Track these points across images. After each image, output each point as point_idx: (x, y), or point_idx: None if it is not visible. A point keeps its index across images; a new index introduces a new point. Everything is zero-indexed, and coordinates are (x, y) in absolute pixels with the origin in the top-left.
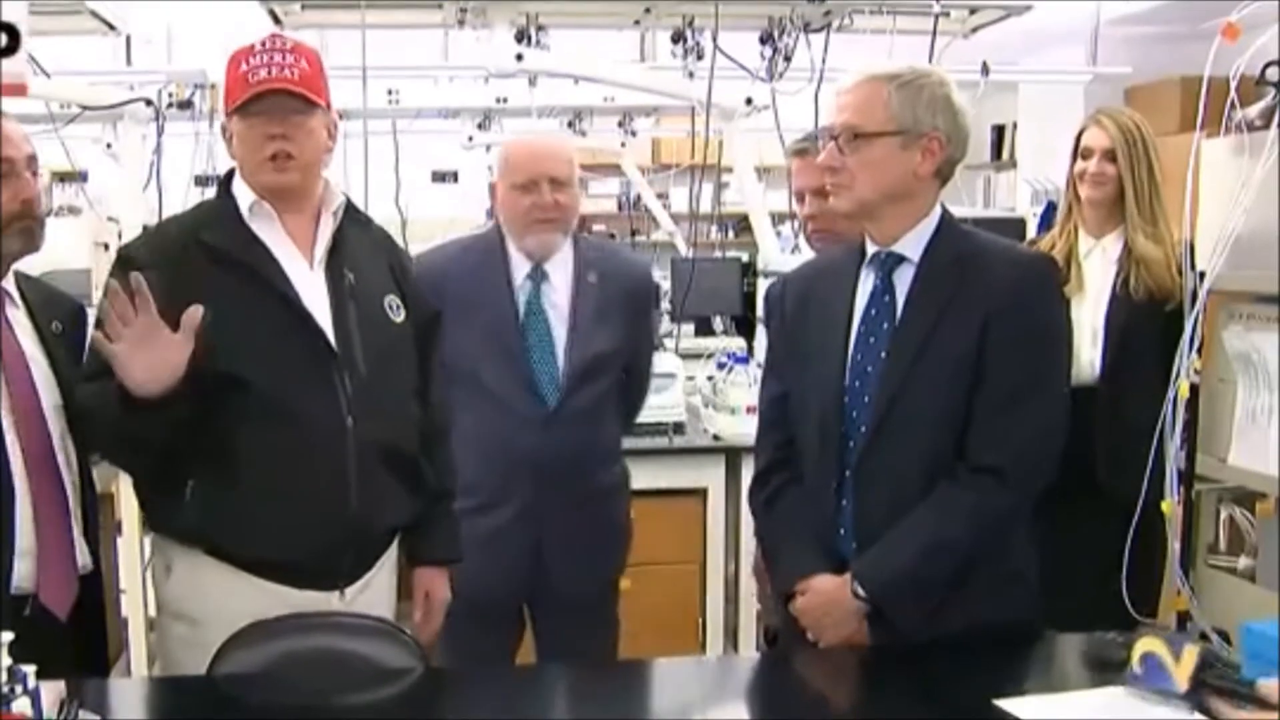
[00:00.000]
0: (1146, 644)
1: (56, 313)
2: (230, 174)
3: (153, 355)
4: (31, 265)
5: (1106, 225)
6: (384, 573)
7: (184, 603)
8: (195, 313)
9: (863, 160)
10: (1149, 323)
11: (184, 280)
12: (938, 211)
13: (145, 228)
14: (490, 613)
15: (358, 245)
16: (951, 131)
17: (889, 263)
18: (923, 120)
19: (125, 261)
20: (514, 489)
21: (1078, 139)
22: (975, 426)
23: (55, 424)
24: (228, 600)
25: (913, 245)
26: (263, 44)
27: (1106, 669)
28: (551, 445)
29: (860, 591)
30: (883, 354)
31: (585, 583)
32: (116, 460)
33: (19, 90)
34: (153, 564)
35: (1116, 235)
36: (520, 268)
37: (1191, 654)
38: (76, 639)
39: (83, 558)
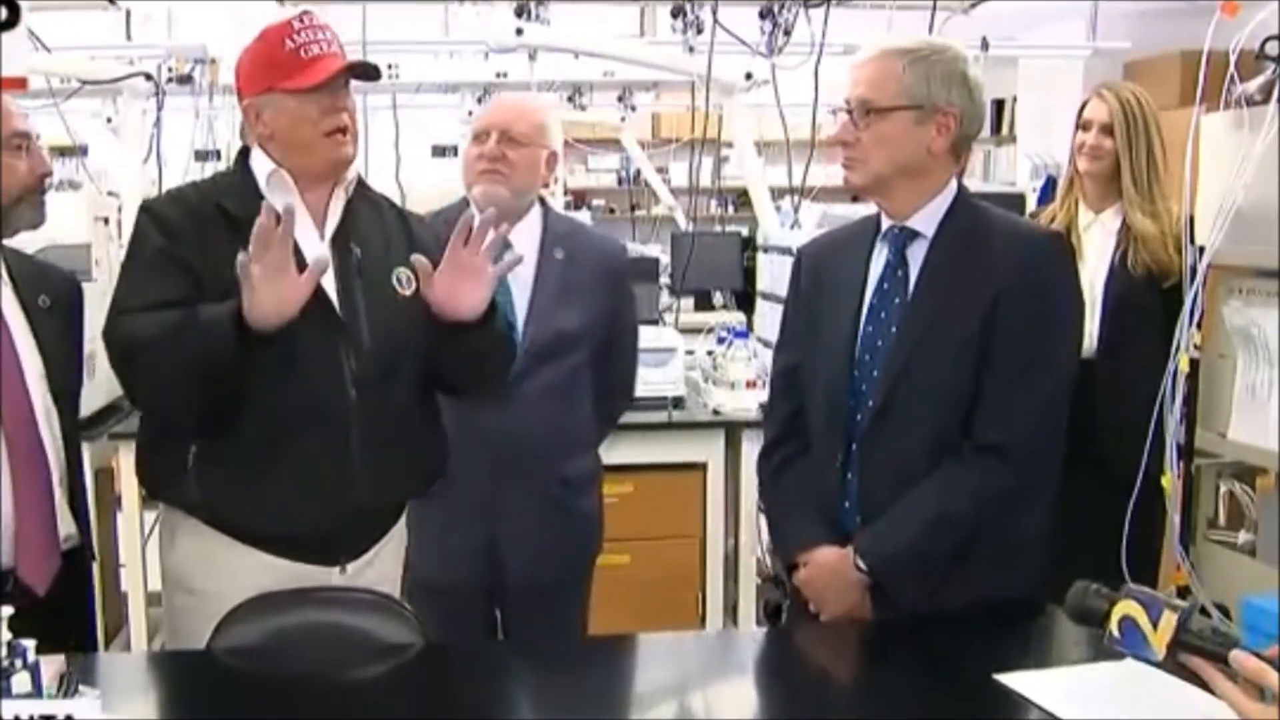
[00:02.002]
0: (1125, 607)
1: (45, 287)
2: (246, 149)
3: (281, 289)
4: (31, 239)
5: (1106, 199)
6: (389, 549)
7: (189, 575)
8: (324, 259)
9: (876, 135)
10: (1146, 298)
11: (204, 241)
12: (953, 187)
13: (143, 200)
14: (454, 600)
15: (367, 220)
16: (966, 107)
17: (902, 238)
18: (937, 95)
19: (153, 212)
20: (467, 472)
21: (1080, 111)
22: (982, 404)
23: (39, 397)
24: (230, 572)
25: (926, 221)
26: (300, 20)
27: (1086, 618)
28: (509, 426)
29: (862, 565)
30: (893, 329)
31: (547, 578)
32: (169, 394)
33: (19, 84)
34: (159, 535)
35: (1115, 210)
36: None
37: (1169, 620)
38: (59, 616)
39: (65, 528)
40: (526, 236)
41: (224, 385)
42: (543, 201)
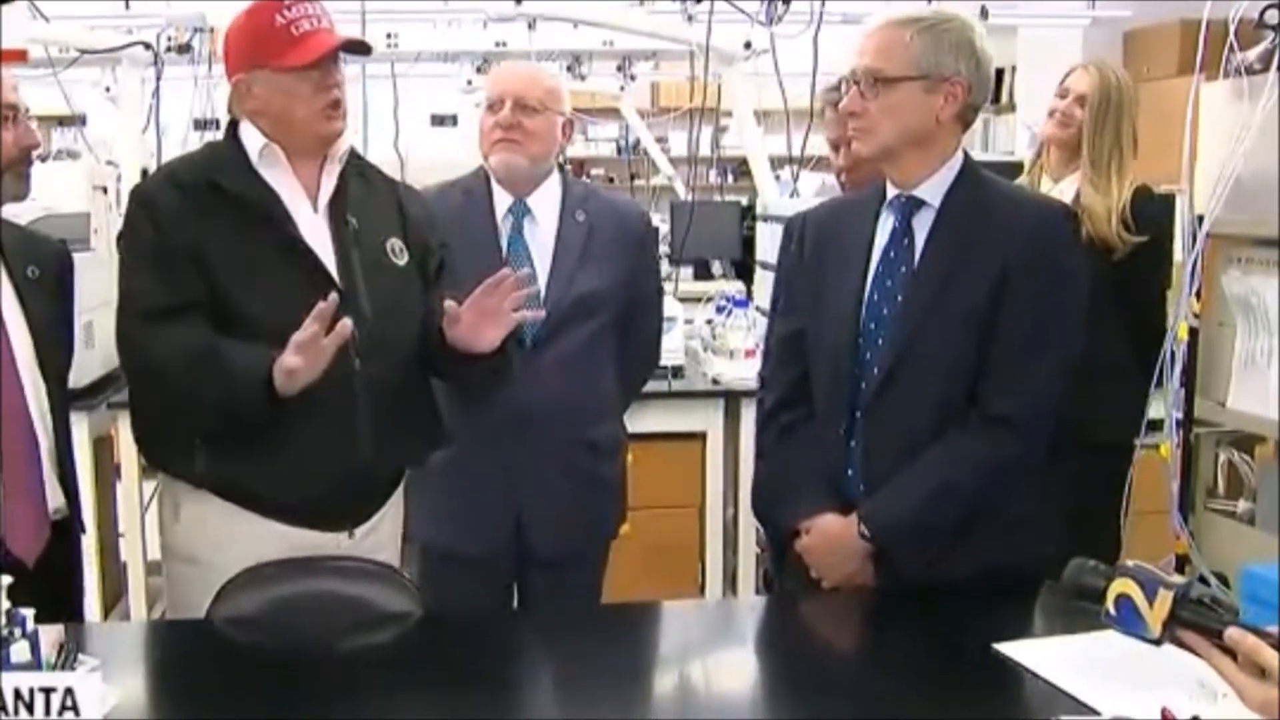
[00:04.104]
0: (1121, 585)
1: (35, 257)
2: (235, 122)
3: (313, 363)
4: (29, 209)
5: (1067, 168)
6: (390, 514)
7: (192, 545)
8: (345, 328)
9: (884, 105)
10: (1093, 265)
11: (199, 220)
12: (959, 157)
13: (144, 171)
14: (475, 570)
15: (360, 190)
16: (974, 77)
17: (909, 206)
18: (945, 65)
19: (145, 199)
20: (492, 437)
21: (1064, 79)
22: (989, 374)
23: (26, 370)
24: (236, 542)
25: (933, 190)
26: None
27: (1083, 596)
28: (532, 392)
29: (866, 533)
30: (899, 297)
31: (572, 547)
32: (191, 417)
33: (19, 56)
34: (160, 507)
35: (1072, 180)
36: (503, 203)
37: (1165, 599)
38: (49, 589)
39: (54, 502)
40: (546, 201)
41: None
42: (560, 167)
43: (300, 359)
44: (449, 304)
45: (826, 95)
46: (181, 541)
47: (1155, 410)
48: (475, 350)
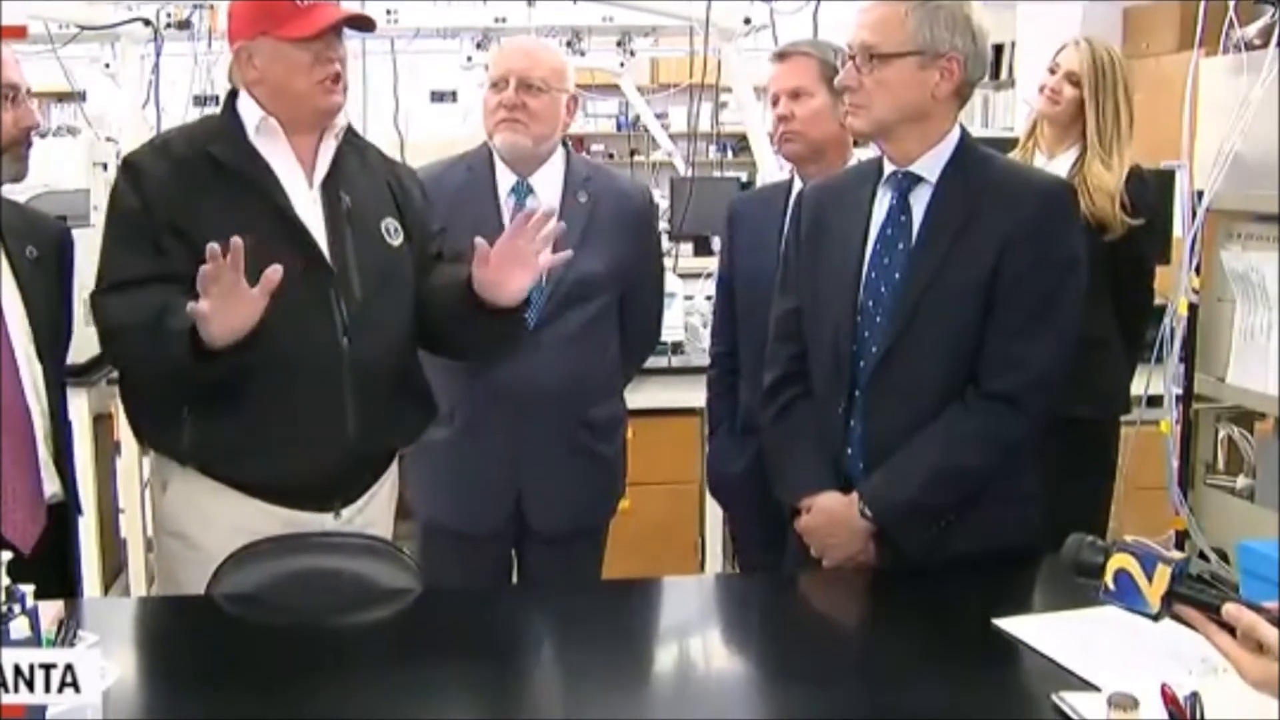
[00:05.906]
0: (1119, 560)
1: (35, 238)
2: (234, 93)
3: (233, 312)
4: (30, 186)
5: (1060, 144)
6: (383, 493)
7: (180, 520)
8: (275, 273)
9: (880, 81)
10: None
11: (190, 192)
12: (956, 133)
13: (126, 155)
14: (475, 547)
15: (355, 168)
16: (970, 53)
17: (905, 183)
18: (941, 41)
19: (133, 170)
20: (494, 416)
21: (1055, 55)
22: (989, 352)
23: (21, 351)
24: (222, 518)
25: (930, 166)
26: None
27: (1084, 572)
28: (533, 371)
29: (868, 512)
30: (897, 275)
31: (570, 524)
32: (151, 382)
33: (18, 32)
34: (150, 481)
35: (1066, 157)
36: (506, 181)
37: (1164, 573)
38: (44, 572)
39: (51, 485)
40: (549, 180)
41: (203, 382)
42: (565, 144)
43: (207, 303)
44: (479, 240)
45: (779, 49)
46: (169, 516)
47: (1138, 387)
48: (500, 301)
